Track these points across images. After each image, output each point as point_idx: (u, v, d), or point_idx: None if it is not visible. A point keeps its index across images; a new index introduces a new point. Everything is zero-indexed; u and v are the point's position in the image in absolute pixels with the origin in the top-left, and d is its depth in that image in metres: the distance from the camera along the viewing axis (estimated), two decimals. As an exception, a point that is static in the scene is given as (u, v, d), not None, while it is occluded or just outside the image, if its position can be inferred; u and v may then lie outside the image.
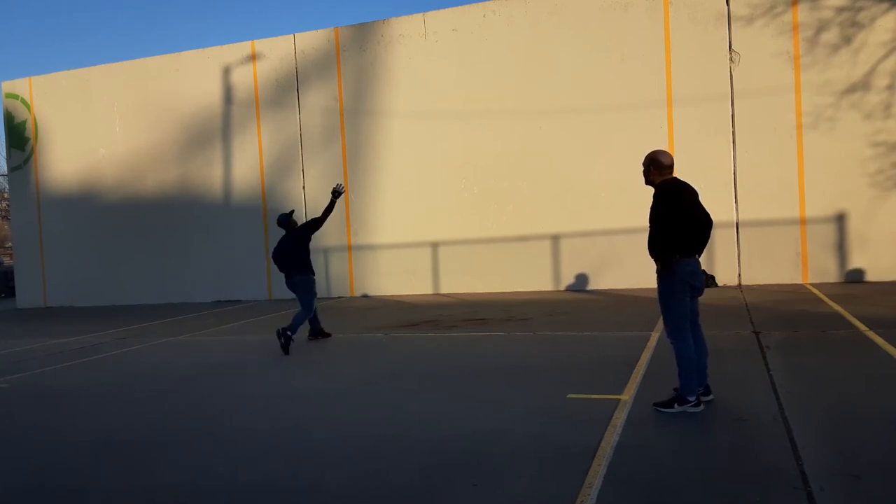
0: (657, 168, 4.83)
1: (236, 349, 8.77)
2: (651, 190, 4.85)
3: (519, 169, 13.82)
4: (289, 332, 7.93)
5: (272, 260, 8.84)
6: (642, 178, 4.96)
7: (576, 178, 13.37)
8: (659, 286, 4.77)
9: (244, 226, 15.72)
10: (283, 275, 8.72)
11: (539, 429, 4.57)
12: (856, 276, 12.08)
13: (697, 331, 4.90)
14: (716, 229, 12.90)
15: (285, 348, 7.92)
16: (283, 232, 9.00)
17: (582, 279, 13.53)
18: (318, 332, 8.93)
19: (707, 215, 4.86)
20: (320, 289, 15.56)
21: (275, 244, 8.91)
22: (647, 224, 4.76)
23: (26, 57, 65.18)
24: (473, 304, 12.18)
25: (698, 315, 4.94)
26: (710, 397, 4.91)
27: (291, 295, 8.59)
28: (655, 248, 4.71)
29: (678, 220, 4.64)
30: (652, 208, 4.73)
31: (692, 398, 4.71)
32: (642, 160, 4.94)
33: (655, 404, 4.84)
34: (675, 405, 4.72)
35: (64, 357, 8.78)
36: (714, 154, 12.64)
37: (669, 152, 4.99)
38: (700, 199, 4.87)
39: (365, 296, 14.92)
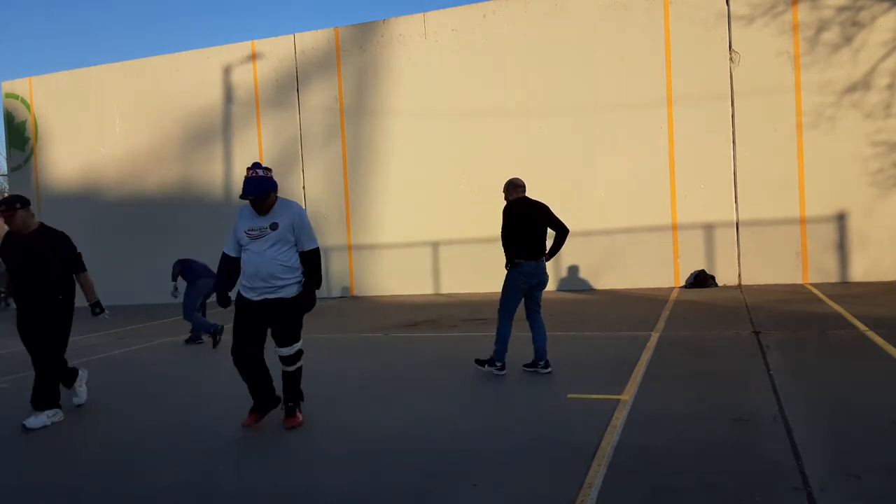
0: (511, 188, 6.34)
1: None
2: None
3: (519, 169, 13.70)
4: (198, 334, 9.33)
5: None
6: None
7: (576, 178, 13.35)
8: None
9: (244, 226, 15.65)
10: None
11: (539, 429, 4.57)
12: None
13: (535, 317, 6.31)
14: (716, 229, 13.21)
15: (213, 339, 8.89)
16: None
17: (582, 279, 13.52)
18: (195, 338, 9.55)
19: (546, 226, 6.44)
20: (320, 288, 15.62)
21: None
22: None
23: (26, 57, 65.17)
24: (474, 303, 12.17)
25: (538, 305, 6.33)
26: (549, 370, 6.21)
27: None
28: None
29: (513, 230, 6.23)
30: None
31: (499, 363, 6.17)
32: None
33: (476, 360, 6.39)
34: (487, 365, 6.20)
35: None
36: (714, 154, 12.63)
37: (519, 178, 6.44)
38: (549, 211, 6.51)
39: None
